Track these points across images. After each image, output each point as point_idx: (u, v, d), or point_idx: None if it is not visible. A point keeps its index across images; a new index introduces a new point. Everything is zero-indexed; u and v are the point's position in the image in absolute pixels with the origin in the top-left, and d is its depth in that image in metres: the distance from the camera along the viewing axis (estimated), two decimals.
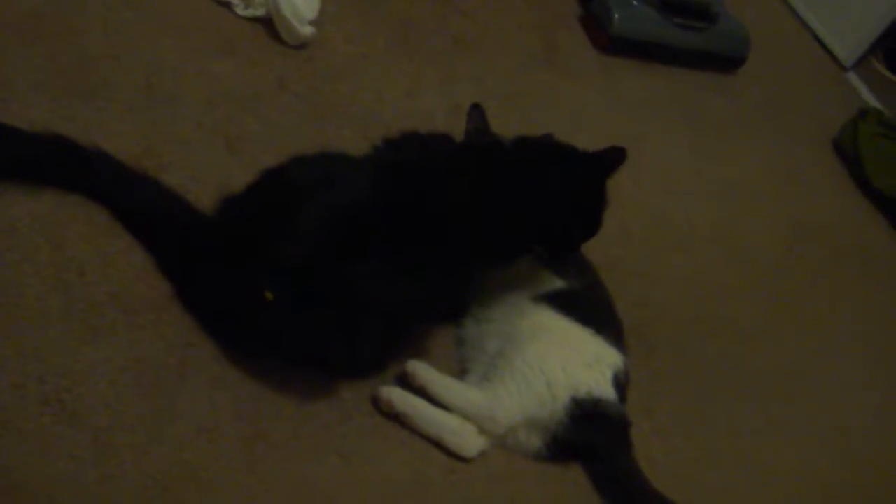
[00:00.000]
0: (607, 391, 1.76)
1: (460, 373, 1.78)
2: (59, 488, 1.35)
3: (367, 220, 1.61)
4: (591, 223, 1.86)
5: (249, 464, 1.51)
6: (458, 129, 1.98)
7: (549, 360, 1.74)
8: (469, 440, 1.68)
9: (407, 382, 1.69)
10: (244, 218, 1.65)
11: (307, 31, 2.15)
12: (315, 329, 1.58)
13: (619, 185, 2.41)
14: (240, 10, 2.15)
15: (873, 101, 3.61)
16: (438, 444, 1.67)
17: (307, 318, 1.57)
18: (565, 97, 2.03)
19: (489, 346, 1.78)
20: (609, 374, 1.78)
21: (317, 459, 1.57)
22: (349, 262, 1.58)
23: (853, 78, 3.69)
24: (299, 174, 1.69)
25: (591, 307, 1.86)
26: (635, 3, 2.84)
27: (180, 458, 1.46)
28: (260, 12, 2.15)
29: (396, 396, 1.66)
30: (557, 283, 1.84)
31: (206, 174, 1.81)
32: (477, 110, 1.96)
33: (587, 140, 1.91)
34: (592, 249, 1.98)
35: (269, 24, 2.16)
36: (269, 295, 1.56)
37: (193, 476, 1.45)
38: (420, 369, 1.69)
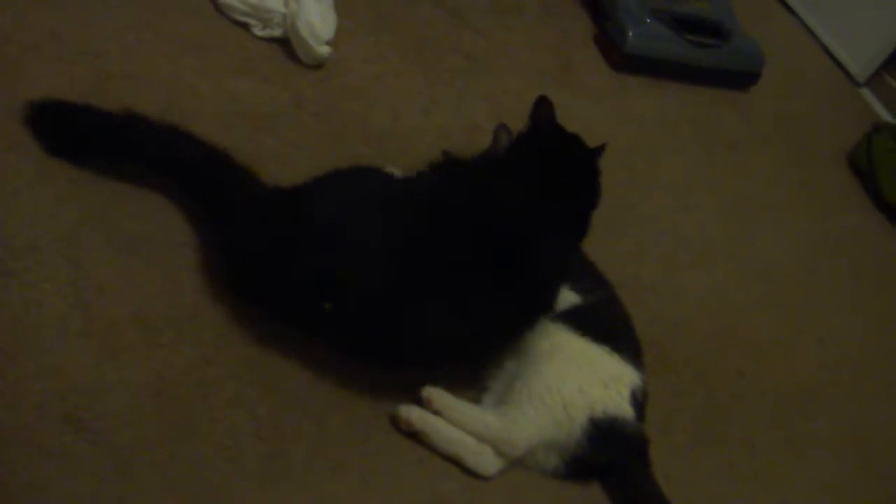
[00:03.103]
0: (625, 410, 1.76)
1: (479, 390, 1.78)
2: None
3: (435, 249, 1.64)
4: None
5: (268, 482, 1.51)
6: (473, 146, 1.99)
7: (566, 380, 1.73)
8: (488, 459, 1.68)
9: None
10: (312, 215, 1.66)
11: (324, 50, 2.16)
12: (369, 341, 1.64)
13: (635, 202, 2.43)
14: (257, 31, 2.17)
15: (887, 117, 3.60)
16: (457, 463, 1.67)
17: (363, 334, 1.63)
18: (579, 115, 2.04)
19: (507, 364, 1.78)
20: (626, 393, 1.78)
21: (336, 478, 1.57)
22: (417, 297, 1.61)
23: (867, 93, 3.69)
24: (367, 190, 1.72)
25: (607, 324, 1.86)
26: (649, 20, 2.85)
27: (200, 477, 1.46)
28: (277, 32, 2.17)
29: (415, 415, 1.66)
30: (574, 300, 1.84)
31: None
32: (504, 130, 1.96)
33: (602, 157, 1.92)
34: (608, 266, 1.99)
35: (286, 44, 2.17)
36: (328, 306, 1.60)
37: (213, 494, 1.46)
38: (435, 395, 1.69)
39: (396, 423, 1.66)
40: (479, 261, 1.66)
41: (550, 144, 1.90)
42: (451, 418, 1.67)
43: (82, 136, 1.72)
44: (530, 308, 1.76)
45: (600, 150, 1.94)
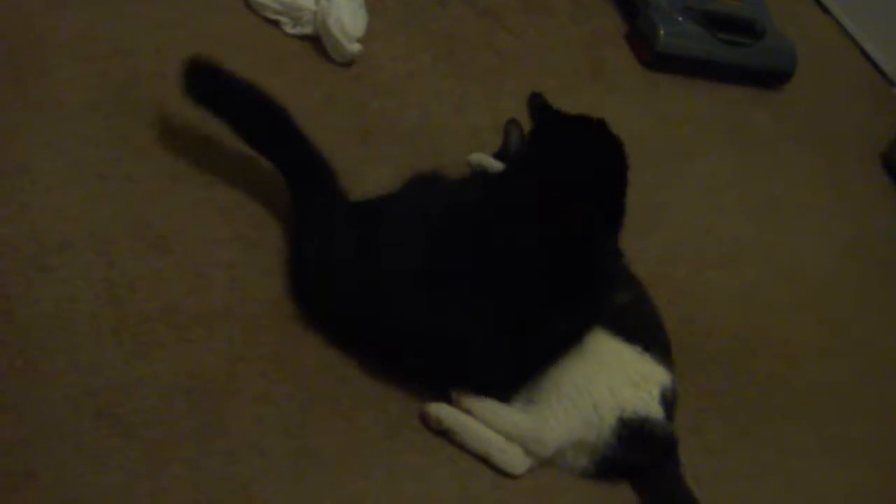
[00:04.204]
0: (654, 410, 1.75)
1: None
2: (111, 500, 1.37)
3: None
4: None
5: (297, 478, 1.51)
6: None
7: (596, 380, 1.73)
8: (516, 458, 1.68)
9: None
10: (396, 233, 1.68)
11: (355, 48, 2.17)
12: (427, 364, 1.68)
13: (665, 201, 2.42)
14: (288, 29, 2.18)
15: None
16: (486, 461, 1.67)
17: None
18: (610, 113, 2.03)
19: None
20: (656, 393, 1.77)
21: (364, 475, 1.57)
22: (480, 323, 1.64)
23: None
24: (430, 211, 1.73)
25: (638, 323, 1.85)
26: (681, 19, 2.83)
27: (230, 472, 1.47)
28: (308, 30, 2.17)
29: (444, 413, 1.66)
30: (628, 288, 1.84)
31: (257, 191, 1.83)
32: (514, 126, 1.97)
33: (633, 156, 1.91)
34: (639, 265, 1.98)
35: (317, 43, 2.18)
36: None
37: (243, 490, 1.46)
38: (464, 395, 1.69)
39: (426, 420, 1.66)
40: (538, 275, 1.67)
41: (566, 137, 1.92)
42: (481, 417, 1.67)
43: (221, 98, 1.78)
44: (592, 313, 1.77)
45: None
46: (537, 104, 1.95)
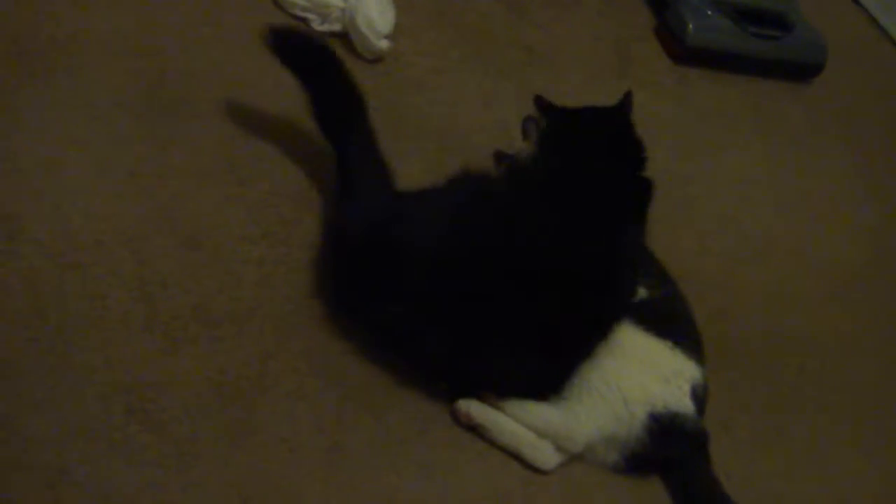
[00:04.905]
0: (685, 405, 1.74)
1: None
2: (143, 496, 1.38)
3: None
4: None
5: (329, 474, 1.52)
6: None
7: (626, 375, 1.72)
8: (547, 453, 1.67)
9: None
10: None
11: (383, 44, 2.17)
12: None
13: (695, 194, 2.41)
14: (316, 25, 2.18)
15: None
16: (516, 457, 1.67)
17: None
18: (640, 108, 2.03)
19: None
20: (687, 388, 1.76)
21: (395, 470, 1.57)
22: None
23: None
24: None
25: (669, 318, 1.83)
26: (710, 12, 2.81)
27: (261, 468, 1.48)
28: (336, 27, 2.18)
29: (475, 409, 1.66)
30: (641, 294, 1.83)
31: (287, 188, 1.84)
32: (532, 122, 1.97)
33: (664, 151, 1.91)
34: (669, 260, 1.97)
35: (345, 39, 2.18)
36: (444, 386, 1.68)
37: (274, 486, 1.47)
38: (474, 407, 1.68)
39: (456, 416, 1.66)
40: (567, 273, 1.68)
41: (581, 131, 1.93)
42: (512, 413, 1.67)
43: (304, 63, 1.81)
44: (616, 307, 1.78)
45: (626, 104, 1.97)
46: (543, 105, 1.96)
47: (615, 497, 1.73)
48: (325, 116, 1.81)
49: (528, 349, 1.65)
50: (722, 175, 2.56)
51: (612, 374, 1.71)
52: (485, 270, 1.64)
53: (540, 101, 1.96)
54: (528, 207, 1.75)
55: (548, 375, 1.70)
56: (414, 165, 1.97)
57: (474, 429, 1.66)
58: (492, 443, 1.67)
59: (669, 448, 1.73)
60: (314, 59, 1.82)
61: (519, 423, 1.67)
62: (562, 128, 1.93)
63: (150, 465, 1.41)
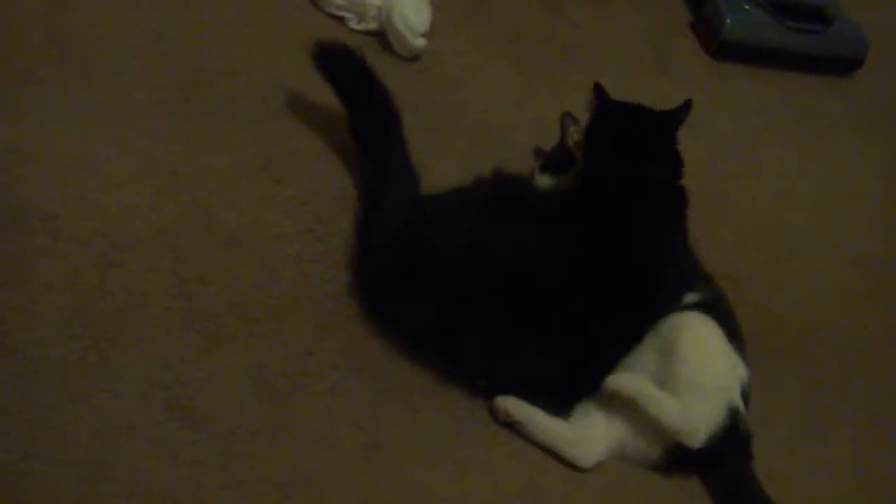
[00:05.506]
0: (740, 402, 1.74)
1: None
2: (182, 492, 1.39)
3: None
4: None
5: (366, 471, 1.52)
6: None
7: (716, 368, 1.72)
8: (585, 450, 1.67)
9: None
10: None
11: (419, 43, 2.17)
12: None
13: (734, 190, 2.39)
14: (353, 24, 2.19)
15: None
16: (554, 454, 1.66)
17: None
18: (678, 104, 2.02)
19: (646, 360, 1.75)
20: (738, 385, 1.75)
21: (432, 467, 1.57)
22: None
23: None
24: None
25: (721, 318, 1.82)
26: (747, 7, 2.79)
27: (300, 465, 1.48)
28: (373, 26, 2.18)
29: (512, 405, 1.65)
30: (691, 296, 1.81)
31: (323, 186, 1.85)
32: (570, 119, 1.96)
33: (702, 146, 1.90)
34: (710, 255, 1.96)
35: (382, 38, 2.19)
36: (484, 384, 1.67)
37: (312, 482, 1.47)
38: (621, 381, 1.68)
39: (494, 413, 1.66)
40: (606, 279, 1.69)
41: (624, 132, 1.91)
42: (637, 397, 1.65)
43: (346, 81, 1.86)
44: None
45: (684, 111, 1.93)
46: (599, 95, 1.94)
47: (653, 497, 1.72)
48: (361, 131, 1.84)
49: (561, 350, 1.66)
50: (760, 170, 2.54)
51: (705, 366, 1.71)
52: (518, 271, 1.64)
53: (598, 90, 1.94)
54: (563, 210, 1.75)
55: (580, 377, 1.70)
56: (449, 163, 1.98)
57: (512, 426, 1.66)
58: (529, 440, 1.66)
59: (727, 443, 1.71)
60: (356, 77, 1.85)
61: (640, 412, 1.65)
62: (609, 126, 1.92)
63: (189, 461, 1.42)
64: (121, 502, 1.35)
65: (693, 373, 1.69)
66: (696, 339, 1.73)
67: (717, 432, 1.68)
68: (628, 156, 1.86)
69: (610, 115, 1.91)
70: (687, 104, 1.92)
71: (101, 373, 1.45)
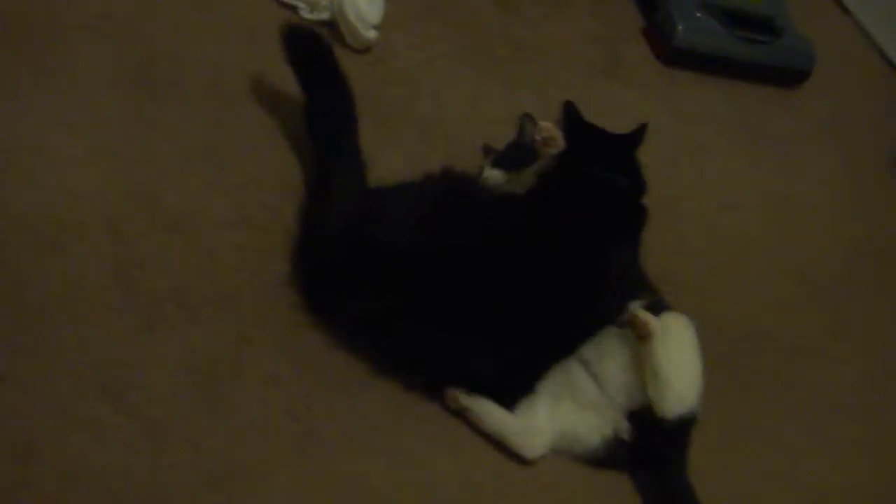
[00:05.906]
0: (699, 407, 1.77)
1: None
2: (113, 477, 1.38)
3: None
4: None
5: (301, 461, 1.52)
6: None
7: (697, 362, 1.76)
8: (531, 441, 1.68)
9: None
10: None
11: (371, 35, 2.17)
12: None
13: (677, 197, 2.41)
14: (305, 14, 2.18)
15: None
16: (498, 445, 1.67)
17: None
18: (627, 108, 2.04)
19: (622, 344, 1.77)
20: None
21: (367, 459, 1.58)
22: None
23: None
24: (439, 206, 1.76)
25: None
26: (699, 15, 2.82)
27: (234, 453, 1.48)
28: (325, 16, 2.18)
29: (464, 393, 1.67)
30: (636, 305, 1.83)
31: (268, 174, 1.85)
32: (528, 120, 1.98)
33: (648, 150, 1.91)
34: (649, 259, 1.97)
35: (334, 28, 2.18)
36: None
37: (245, 471, 1.47)
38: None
39: (445, 399, 1.67)
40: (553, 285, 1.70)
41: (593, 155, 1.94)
42: (661, 357, 1.69)
43: (307, 64, 1.84)
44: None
45: (640, 133, 1.97)
46: (571, 115, 1.97)
47: (586, 494, 1.73)
48: (316, 120, 1.83)
49: (502, 348, 1.67)
50: (705, 177, 2.57)
51: (684, 357, 1.75)
52: (462, 268, 1.65)
53: (569, 108, 1.97)
54: (513, 209, 1.78)
55: (520, 375, 1.72)
56: (395, 156, 1.98)
57: (460, 413, 1.67)
58: (476, 428, 1.67)
59: (677, 439, 1.76)
60: (320, 65, 1.84)
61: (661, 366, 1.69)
62: (579, 143, 1.95)
63: (120, 445, 1.41)
64: (50, 483, 1.34)
65: (682, 354, 1.74)
66: (686, 332, 1.78)
67: (682, 419, 1.71)
68: (599, 165, 1.89)
69: (582, 132, 1.94)
70: (643, 128, 1.98)
71: (33, 354, 1.44)
